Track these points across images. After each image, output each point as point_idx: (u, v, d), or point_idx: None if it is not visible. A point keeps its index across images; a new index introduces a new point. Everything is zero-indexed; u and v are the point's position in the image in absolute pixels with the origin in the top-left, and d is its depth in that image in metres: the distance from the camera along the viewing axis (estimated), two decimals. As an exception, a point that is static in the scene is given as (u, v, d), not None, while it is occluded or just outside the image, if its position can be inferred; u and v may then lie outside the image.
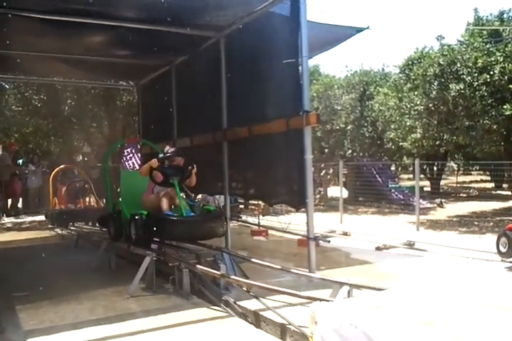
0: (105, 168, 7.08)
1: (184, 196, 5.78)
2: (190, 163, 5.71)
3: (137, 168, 12.82)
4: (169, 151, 5.85)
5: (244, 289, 4.41)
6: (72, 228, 9.71)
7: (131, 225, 5.56)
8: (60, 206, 10.29)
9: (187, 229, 5.27)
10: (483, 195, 15.51)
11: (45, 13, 6.12)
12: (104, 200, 10.86)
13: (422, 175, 16.15)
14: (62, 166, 11.60)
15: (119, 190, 13.48)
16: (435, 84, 10.49)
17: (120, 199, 6.44)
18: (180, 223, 5.28)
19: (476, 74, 10.06)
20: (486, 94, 10.03)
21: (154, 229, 5.17)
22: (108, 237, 6.56)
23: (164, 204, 5.46)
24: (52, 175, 11.01)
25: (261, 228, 8.85)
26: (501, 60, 9.92)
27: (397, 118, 12.30)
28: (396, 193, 14.70)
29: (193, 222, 5.38)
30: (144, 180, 5.83)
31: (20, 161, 15.25)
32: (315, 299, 3.67)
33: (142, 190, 5.93)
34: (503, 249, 6.11)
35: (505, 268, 6.06)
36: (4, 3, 5.76)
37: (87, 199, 10.66)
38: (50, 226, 10.63)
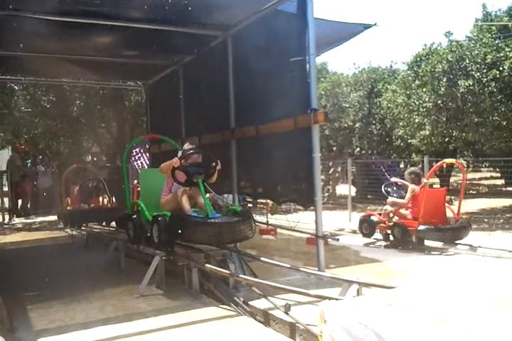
0: (123, 166, 6.69)
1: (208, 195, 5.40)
2: (212, 159, 5.36)
3: (146, 167, 12.87)
4: (187, 148, 5.53)
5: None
6: (82, 228, 9.58)
7: (154, 227, 5.17)
8: (73, 206, 9.95)
9: (217, 232, 4.84)
10: (493, 192, 15.43)
11: (52, 15, 6.15)
12: (114, 199, 10.83)
13: (432, 172, 16.05)
14: (74, 165, 11.38)
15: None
16: (444, 80, 10.44)
17: (126, 198, 6.32)
18: (209, 225, 4.82)
19: (485, 70, 9.99)
20: (495, 90, 9.97)
21: (179, 231, 4.77)
22: (127, 239, 6.22)
23: (185, 204, 5.09)
24: (64, 174, 10.78)
25: (269, 227, 8.84)
26: (511, 55, 9.85)
27: (406, 115, 12.25)
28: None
29: (223, 225, 4.88)
30: (163, 178, 5.56)
31: (29, 162, 15.36)
32: (324, 298, 3.67)
33: (162, 189, 5.60)
34: (365, 231, 8.05)
35: (363, 244, 7.70)
36: (13, 6, 5.82)
37: (101, 198, 10.30)
38: (60, 226, 10.67)
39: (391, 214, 7.72)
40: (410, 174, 7.68)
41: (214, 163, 5.33)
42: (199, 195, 5.16)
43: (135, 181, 12.58)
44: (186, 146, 5.65)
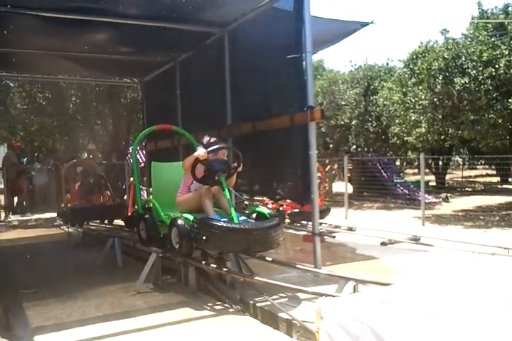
0: (133, 160, 6.19)
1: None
2: (237, 158, 4.86)
3: (142, 165, 12.82)
4: (212, 141, 4.97)
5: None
6: (82, 226, 9.12)
7: (173, 232, 4.63)
8: (74, 203, 9.46)
9: (249, 239, 4.29)
10: (489, 189, 15.47)
11: (48, 11, 6.12)
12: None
13: (427, 170, 16.12)
14: (74, 160, 11.05)
15: (124, 186, 13.31)
16: (440, 78, 10.44)
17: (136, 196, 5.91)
18: (240, 232, 4.26)
19: (480, 68, 10.01)
20: (491, 87, 9.98)
21: (204, 238, 4.25)
22: (139, 241, 5.66)
23: (208, 206, 4.64)
24: (64, 170, 10.46)
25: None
26: (506, 53, 9.86)
27: (402, 112, 12.26)
28: (401, 188, 14.67)
29: (256, 231, 4.31)
30: (179, 173, 5.10)
31: (25, 160, 15.31)
32: (321, 294, 3.67)
33: (176, 186, 5.08)
34: None
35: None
36: (8, 2, 5.79)
37: (103, 195, 9.75)
38: (56, 223, 10.62)
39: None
40: None
41: (236, 164, 4.82)
42: (221, 194, 4.72)
43: (131, 179, 12.53)
44: (209, 139, 5.05)
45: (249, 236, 4.28)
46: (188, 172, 4.78)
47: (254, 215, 4.79)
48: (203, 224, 4.31)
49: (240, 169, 4.85)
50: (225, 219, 4.39)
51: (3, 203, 13.45)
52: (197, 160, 4.62)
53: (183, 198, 4.93)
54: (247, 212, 4.65)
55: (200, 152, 4.64)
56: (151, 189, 9.16)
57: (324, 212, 8.96)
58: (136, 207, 11.61)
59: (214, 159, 4.71)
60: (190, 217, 4.51)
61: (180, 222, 4.51)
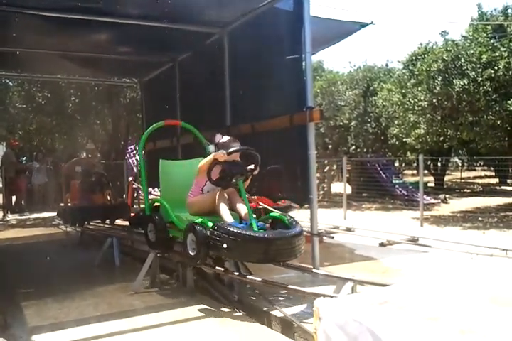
0: (140, 156, 5.96)
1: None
2: (254, 160, 4.55)
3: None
4: (226, 141, 4.70)
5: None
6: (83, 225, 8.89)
7: (189, 237, 4.31)
8: (74, 202, 9.22)
9: (273, 249, 4.00)
10: (487, 191, 15.51)
11: (48, 11, 6.12)
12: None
13: (426, 171, 16.15)
14: (76, 159, 10.94)
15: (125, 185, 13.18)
16: (439, 79, 10.45)
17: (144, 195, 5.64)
18: (264, 241, 3.96)
19: (480, 70, 10.02)
20: (490, 89, 9.99)
21: (225, 246, 3.96)
22: (147, 244, 5.26)
23: (224, 211, 4.34)
24: (65, 169, 10.31)
25: (264, 224, 8.87)
26: (506, 55, 9.88)
27: (401, 114, 12.27)
28: (400, 189, 14.70)
29: (281, 240, 4.00)
30: (188, 172, 4.94)
31: (24, 159, 15.32)
32: (319, 295, 3.67)
33: (186, 186, 4.84)
34: None
35: None
36: (7, 1, 5.78)
37: (104, 194, 9.46)
38: (55, 223, 10.61)
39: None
40: None
41: (253, 166, 4.53)
42: (235, 197, 4.54)
43: (130, 178, 12.54)
44: (223, 138, 4.76)
45: (274, 246, 4.01)
46: (202, 173, 4.54)
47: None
48: (227, 231, 3.99)
49: (256, 172, 4.56)
50: (244, 226, 4.13)
51: (1, 202, 13.44)
52: (215, 162, 4.40)
53: (196, 199, 4.68)
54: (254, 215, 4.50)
55: (219, 153, 4.38)
56: (150, 188, 9.19)
57: (286, 208, 8.68)
58: (134, 206, 11.64)
59: (231, 161, 4.46)
60: (210, 223, 4.20)
61: (199, 227, 4.20)
